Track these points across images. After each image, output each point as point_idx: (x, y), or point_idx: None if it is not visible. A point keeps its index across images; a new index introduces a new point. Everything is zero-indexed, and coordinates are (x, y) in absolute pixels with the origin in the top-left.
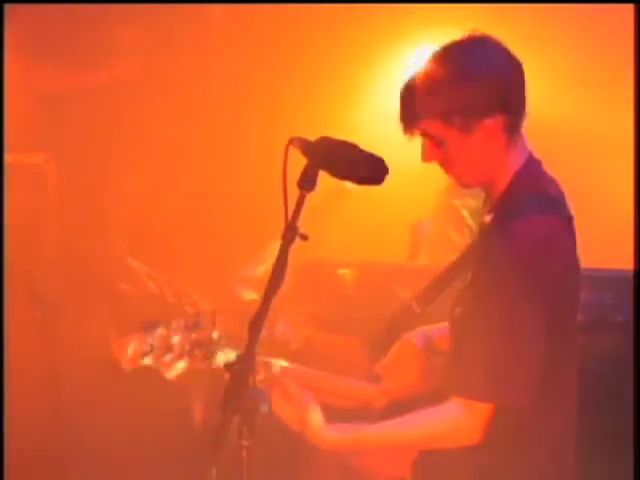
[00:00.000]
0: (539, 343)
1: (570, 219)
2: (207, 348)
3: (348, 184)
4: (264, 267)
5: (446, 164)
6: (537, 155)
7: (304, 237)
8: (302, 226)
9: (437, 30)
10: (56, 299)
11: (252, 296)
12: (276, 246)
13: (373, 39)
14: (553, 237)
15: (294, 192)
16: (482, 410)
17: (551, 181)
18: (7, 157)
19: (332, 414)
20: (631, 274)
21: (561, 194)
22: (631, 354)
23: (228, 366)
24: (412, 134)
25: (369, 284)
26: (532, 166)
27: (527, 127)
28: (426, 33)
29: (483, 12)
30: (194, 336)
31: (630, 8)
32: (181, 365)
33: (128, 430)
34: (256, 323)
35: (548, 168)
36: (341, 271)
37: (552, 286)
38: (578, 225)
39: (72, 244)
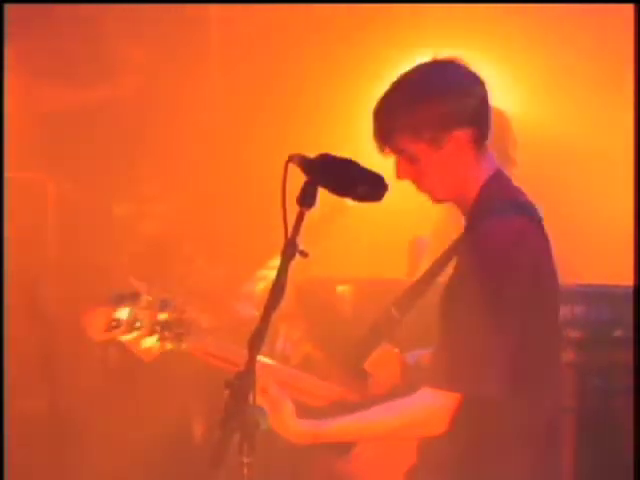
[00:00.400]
0: (508, 336)
1: (540, 221)
2: (177, 330)
3: (347, 201)
4: (264, 284)
5: (419, 180)
6: (540, 169)
7: (304, 254)
8: (302, 243)
9: (441, 45)
10: (56, 314)
11: (252, 313)
12: (276, 263)
13: (377, 55)
14: (522, 236)
15: (294, 209)
16: (450, 399)
17: (519, 191)
18: (7, 174)
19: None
20: (628, 289)
21: (529, 202)
22: (629, 369)
23: (228, 383)
24: (385, 152)
25: (368, 301)
26: (500, 178)
27: (526, 139)
28: (431, 49)
29: (481, 23)
30: (164, 316)
31: (630, 8)
32: (151, 342)
33: (127, 443)
34: (255, 340)
35: (548, 183)
36: (340, 288)
37: (522, 282)
38: (575, 241)
39: (72, 260)
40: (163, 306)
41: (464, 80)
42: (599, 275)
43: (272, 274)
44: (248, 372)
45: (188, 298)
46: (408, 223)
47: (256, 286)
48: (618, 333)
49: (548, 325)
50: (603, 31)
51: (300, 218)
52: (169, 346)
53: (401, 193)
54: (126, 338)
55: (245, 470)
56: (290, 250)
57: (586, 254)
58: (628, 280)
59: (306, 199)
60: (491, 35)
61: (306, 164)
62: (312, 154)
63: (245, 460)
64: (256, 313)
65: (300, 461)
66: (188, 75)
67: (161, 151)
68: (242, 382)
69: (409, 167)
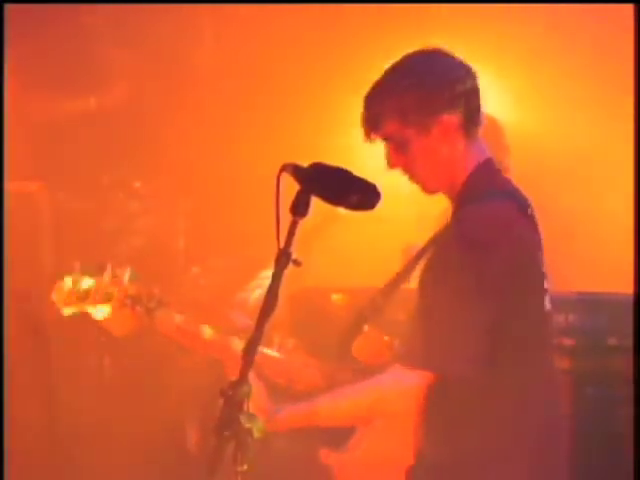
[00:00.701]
0: (483, 317)
1: (528, 210)
2: (148, 304)
3: (340, 209)
4: (258, 293)
5: (409, 169)
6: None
7: (297, 263)
8: (295, 252)
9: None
10: (51, 325)
11: (246, 322)
12: (270, 272)
13: (367, 64)
14: (504, 221)
15: (287, 218)
16: (420, 377)
17: (508, 180)
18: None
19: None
20: (623, 297)
21: (518, 190)
22: (624, 377)
23: (222, 391)
24: (372, 139)
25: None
26: (489, 166)
27: (523, 146)
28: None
29: (479, 32)
30: (133, 289)
31: (630, 8)
32: (121, 316)
33: (122, 451)
34: (249, 349)
35: (543, 190)
36: (335, 297)
37: (501, 265)
38: (569, 248)
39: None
40: (132, 279)
41: (451, 66)
42: (593, 283)
43: (266, 283)
44: (242, 381)
45: (182, 307)
46: (401, 232)
47: (250, 295)
48: (612, 341)
49: (530, 311)
50: (602, 31)
51: (293, 227)
52: (137, 320)
53: (394, 202)
54: (94, 310)
55: (239, 479)
56: (284, 259)
57: (581, 261)
58: (622, 288)
59: (299, 208)
60: (485, 42)
61: (299, 173)
62: (305, 162)
63: (239, 469)
64: (250, 322)
65: (296, 464)
66: (180, 83)
67: (154, 159)
68: (236, 391)
69: (399, 155)
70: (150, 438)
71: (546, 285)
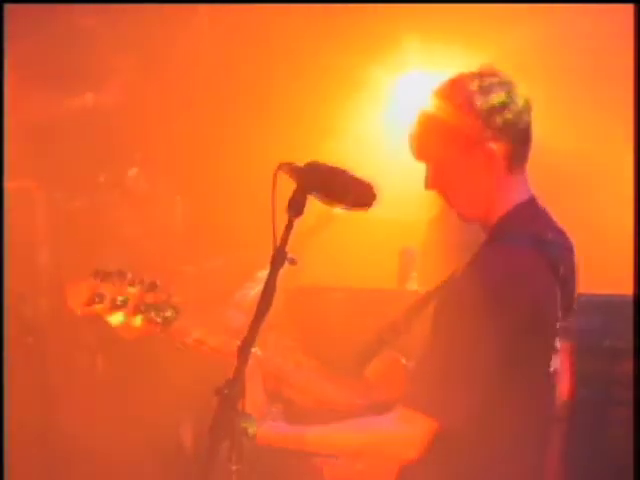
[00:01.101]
0: (486, 369)
1: (556, 261)
2: (164, 312)
3: (336, 209)
4: (255, 292)
5: (446, 192)
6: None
7: (293, 262)
8: (291, 252)
9: (427, 56)
10: (46, 324)
11: (243, 321)
12: (266, 272)
13: (361, 65)
14: (524, 269)
15: (283, 218)
16: (424, 424)
17: (550, 226)
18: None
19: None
20: (618, 298)
21: (557, 241)
22: (618, 379)
23: (217, 390)
24: (418, 158)
25: (359, 309)
26: (531, 207)
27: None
28: (415, 59)
29: (479, 38)
30: (150, 297)
31: (630, 8)
32: (134, 321)
33: (117, 451)
34: (245, 348)
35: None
36: (331, 296)
37: (514, 315)
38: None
39: (62, 269)
40: (150, 288)
41: (507, 94)
42: (589, 284)
43: (262, 283)
44: (237, 380)
45: (179, 306)
46: (398, 233)
47: (246, 295)
48: (607, 343)
49: (532, 370)
50: (602, 31)
51: (289, 226)
52: (153, 328)
53: (391, 202)
54: (108, 315)
55: (234, 478)
56: (279, 258)
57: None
58: (620, 289)
59: (295, 207)
60: (485, 43)
61: (296, 172)
62: (302, 162)
63: (233, 468)
64: (246, 321)
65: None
66: (178, 81)
67: (150, 158)
68: (231, 390)
69: (438, 176)
70: (145, 435)
71: (557, 344)
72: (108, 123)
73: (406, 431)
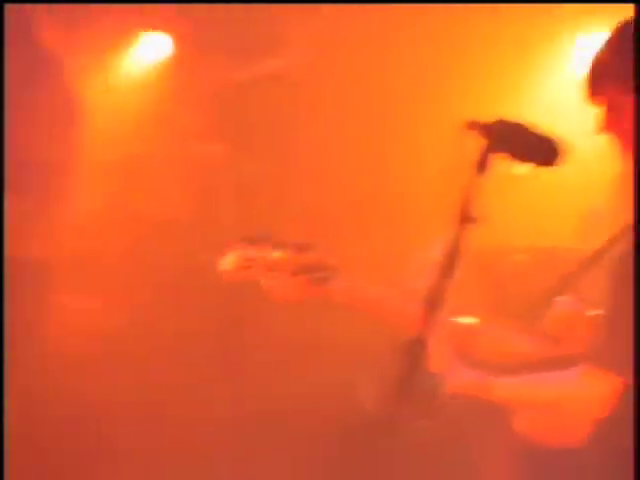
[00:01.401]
0: None
1: None
2: (321, 273)
3: (517, 168)
4: (436, 254)
5: (621, 137)
6: None
7: (477, 221)
8: (475, 211)
9: (595, 18)
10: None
11: (422, 282)
12: (448, 233)
13: (533, 32)
14: None
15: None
16: (614, 382)
17: None
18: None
19: None
20: None
21: None
22: None
23: (401, 349)
24: (593, 101)
25: (543, 269)
26: None
27: None
28: (586, 21)
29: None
30: (304, 258)
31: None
32: (291, 284)
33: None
34: (430, 308)
35: None
36: (516, 257)
37: None
38: None
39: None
40: (303, 249)
41: None
42: None
43: (445, 244)
44: (422, 338)
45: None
46: (583, 194)
47: (429, 255)
48: None
49: None
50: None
51: (475, 185)
52: (308, 289)
53: (578, 164)
54: (261, 278)
55: (421, 436)
56: (464, 218)
57: None
58: None
59: (483, 166)
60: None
61: (484, 130)
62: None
63: (421, 425)
64: (428, 283)
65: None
66: (358, 52)
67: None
68: (416, 348)
69: (614, 121)
70: (323, 400)
71: None
72: (288, 90)
73: (597, 389)
